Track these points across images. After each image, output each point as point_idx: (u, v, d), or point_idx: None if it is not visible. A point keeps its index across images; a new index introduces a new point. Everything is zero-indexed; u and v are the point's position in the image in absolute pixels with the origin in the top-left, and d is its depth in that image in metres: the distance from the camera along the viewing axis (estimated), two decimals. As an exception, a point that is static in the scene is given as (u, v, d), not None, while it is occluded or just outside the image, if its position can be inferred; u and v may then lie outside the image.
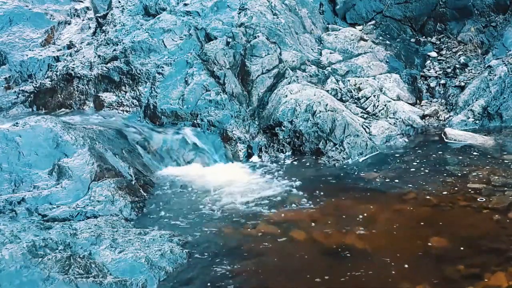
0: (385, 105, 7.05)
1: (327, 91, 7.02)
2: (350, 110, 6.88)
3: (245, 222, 4.99)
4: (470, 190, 5.38)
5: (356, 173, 5.96)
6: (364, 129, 6.66)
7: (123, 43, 7.28)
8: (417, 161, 6.15)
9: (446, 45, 8.13)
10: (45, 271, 3.97)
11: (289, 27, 7.55)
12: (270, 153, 6.42)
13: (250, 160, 6.36)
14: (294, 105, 6.53)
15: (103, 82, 7.09)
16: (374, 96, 7.13)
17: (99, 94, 7.02)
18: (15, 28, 7.88)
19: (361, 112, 6.99)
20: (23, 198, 5.01)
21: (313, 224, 4.94)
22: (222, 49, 7.05)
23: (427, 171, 5.88)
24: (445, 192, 5.37)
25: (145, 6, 7.74)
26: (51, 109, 7.08)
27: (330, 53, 7.70)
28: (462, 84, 7.53)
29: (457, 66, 7.77)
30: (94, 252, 4.33)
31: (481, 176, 5.65)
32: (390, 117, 6.96)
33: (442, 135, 6.80)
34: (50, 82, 7.25)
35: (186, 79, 6.88)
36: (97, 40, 7.61)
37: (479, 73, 7.54)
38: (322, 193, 5.50)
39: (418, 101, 7.55)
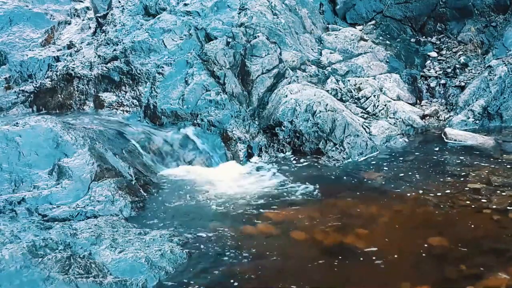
0: (385, 105, 7.05)
1: (327, 91, 7.02)
2: (350, 110, 6.88)
3: (245, 222, 4.99)
4: (470, 190, 5.38)
5: (356, 173, 5.95)
6: (364, 129, 6.67)
7: (123, 43, 7.28)
8: (417, 161, 6.15)
9: (446, 45, 8.13)
10: (45, 271, 3.97)
11: (289, 27, 7.55)
12: (270, 153, 6.42)
13: (250, 160, 6.36)
14: (294, 105, 6.53)
15: (103, 82, 7.09)
16: (374, 96, 7.13)
17: (99, 94, 7.02)
18: (15, 28, 7.88)
19: (361, 112, 6.99)
20: (23, 198, 5.01)
21: (313, 224, 4.94)
22: (222, 49, 7.05)
23: (427, 171, 5.89)
24: (445, 192, 5.37)
25: (145, 6, 7.74)
26: (51, 109, 7.08)
27: (330, 53, 7.70)
28: (462, 84, 7.54)
29: (457, 66, 7.77)
30: (94, 252, 4.33)
31: (481, 176, 5.65)
32: (390, 117, 6.96)
33: (442, 135, 6.80)
34: (50, 82, 7.25)
35: (186, 79, 6.88)
36: (97, 40, 7.61)
37: (479, 73, 7.54)
38: (322, 193, 5.50)
39: (418, 101, 7.55)
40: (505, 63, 7.32)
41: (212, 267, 4.32)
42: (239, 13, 7.42)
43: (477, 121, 7.07)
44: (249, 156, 6.41)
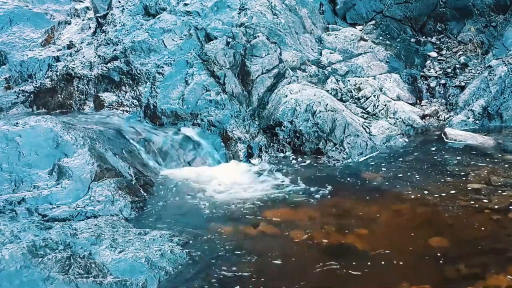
0: (385, 105, 7.05)
1: (327, 91, 7.02)
2: (350, 110, 6.88)
3: (245, 222, 5.00)
4: (470, 190, 5.38)
5: (356, 173, 5.95)
6: (364, 129, 6.67)
7: (123, 43, 7.28)
8: (417, 161, 6.15)
9: (446, 45, 8.13)
10: (45, 271, 3.97)
11: (289, 27, 7.55)
12: (270, 153, 6.42)
13: (250, 160, 6.36)
14: (294, 105, 6.53)
15: (103, 82, 7.09)
16: (374, 96, 7.13)
17: (99, 94, 7.02)
18: (15, 28, 7.88)
19: (361, 112, 6.99)
20: (23, 198, 5.01)
21: (313, 224, 4.94)
22: (222, 49, 7.05)
23: (427, 171, 5.89)
24: (445, 192, 5.37)
25: (145, 6, 7.74)
26: (51, 109, 7.08)
27: (330, 53, 7.70)
28: (462, 84, 7.53)
29: (457, 66, 7.77)
30: (94, 252, 4.33)
31: (481, 176, 5.65)
32: (390, 117, 6.96)
33: (442, 135, 6.80)
34: (50, 82, 7.25)
35: (186, 79, 6.88)
36: (97, 40, 7.61)
37: (479, 73, 7.54)
38: (322, 193, 5.50)
39: (418, 101, 7.55)
40: (505, 63, 7.32)
41: (212, 267, 4.32)
42: (239, 13, 7.42)
43: (477, 121, 7.07)
44: (249, 156, 6.41)
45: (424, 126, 7.07)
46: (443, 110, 7.37)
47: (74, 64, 7.31)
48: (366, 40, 8.03)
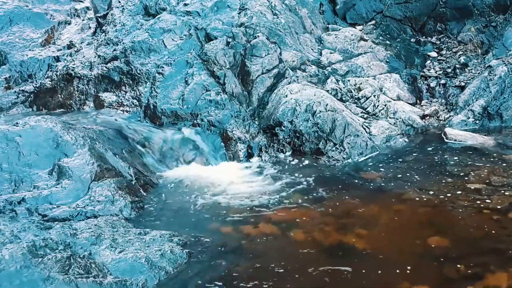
0: (385, 105, 7.05)
1: (327, 91, 7.02)
2: (350, 110, 6.88)
3: (245, 222, 4.99)
4: (470, 190, 5.38)
5: (356, 173, 5.95)
6: (364, 129, 6.67)
7: (123, 43, 7.28)
8: (417, 161, 6.15)
9: (446, 45, 8.13)
10: (45, 271, 3.97)
11: (289, 27, 7.55)
12: (270, 153, 6.42)
13: (250, 160, 6.36)
14: (294, 105, 6.53)
15: (103, 82, 7.09)
16: (374, 96, 7.13)
17: (99, 94, 7.02)
18: (15, 28, 7.88)
19: (361, 112, 6.99)
20: (23, 198, 5.01)
21: (313, 224, 4.94)
22: (222, 49, 7.05)
23: (427, 171, 5.89)
24: (445, 192, 5.37)
25: (145, 6, 7.75)
26: (51, 109, 7.08)
27: (330, 53, 7.70)
28: (462, 84, 7.54)
29: (457, 66, 7.77)
30: (94, 252, 4.33)
31: (481, 176, 5.65)
32: (390, 117, 6.96)
33: (442, 135, 6.80)
34: (50, 82, 7.25)
35: (186, 79, 6.88)
36: (97, 40, 7.61)
37: (479, 73, 7.54)
38: (322, 193, 5.50)
39: (418, 101, 7.55)
40: (505, 63, 7.32)
41: (212, 267, 4.32)
42: (239, 13, 7.42)
43: (477, 121, 7.07)
44: (249, 156, 6.41)
45: (424, 126, 7.07)
46: (443, 110, 7.37)
47: (74, 64, 7.31)
48: (366, 40, 8.03)
